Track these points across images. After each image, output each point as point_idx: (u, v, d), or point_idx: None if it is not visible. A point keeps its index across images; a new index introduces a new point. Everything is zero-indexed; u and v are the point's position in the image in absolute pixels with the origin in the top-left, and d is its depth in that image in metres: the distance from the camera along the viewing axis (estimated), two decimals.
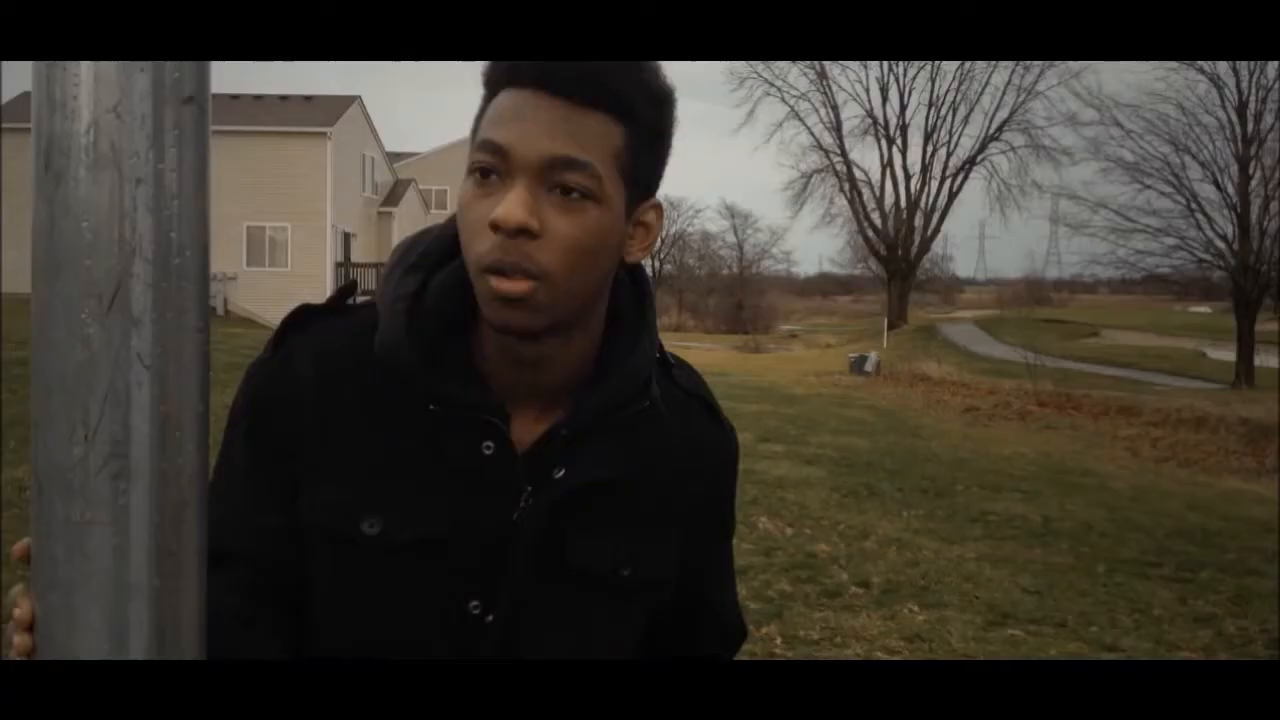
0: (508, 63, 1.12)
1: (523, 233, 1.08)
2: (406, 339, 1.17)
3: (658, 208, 1.22)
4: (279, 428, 1.22)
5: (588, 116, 1.10)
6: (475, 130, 1.15)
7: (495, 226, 1.08)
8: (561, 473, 1.22)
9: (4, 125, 31.70)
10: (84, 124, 0.80)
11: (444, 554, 1.20)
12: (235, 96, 37.74)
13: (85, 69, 0.80)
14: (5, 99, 34.75)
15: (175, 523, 0.85)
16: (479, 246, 1.10)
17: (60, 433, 0.83)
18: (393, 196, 43.52)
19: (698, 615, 1.42)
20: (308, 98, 39.32)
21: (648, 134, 1.15)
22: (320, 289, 33.68)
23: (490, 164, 1.11)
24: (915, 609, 6.42)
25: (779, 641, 5.67)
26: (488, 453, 1.20)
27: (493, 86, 1.14)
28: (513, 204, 1.08)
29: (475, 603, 1.22)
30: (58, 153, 0.81)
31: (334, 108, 38.01)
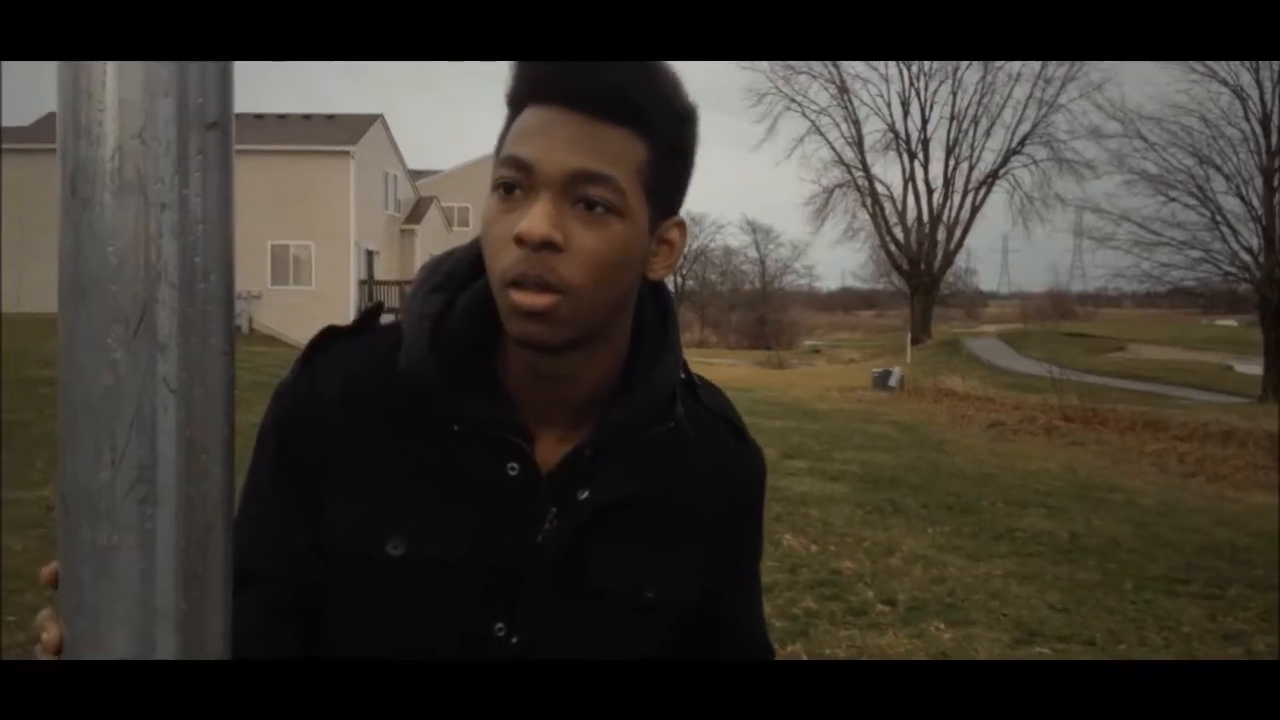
0: (531, 80, 1.12)
1: (547, 246, 1.08)
2: (430, 359, 1.18)
3: (681, 225, 1.22)
4: (305, 449, 1.22)
5: (611, 131, 1.10)
6: (499, 148, 1.15)
7: (519, 240, 1.08)
8: (586, 494, 1.22)
9: (28, 146, 31.99)
10: (109, 150, 0.81)
11: (468, 576, 1.20)
12: (259, 116, 38.03)
13: (110, 95, 0.80)
14: (28, 121, 35.10)
15: (201, 546, 0.86)
16: (503, 261, 1.10)
17: (87, 457, 0.83)
18: (415, 214, 43.72)
19: (720, 635, 1.41)
20: (330, 116, 39.58)
21: (670, 150, 1.16)
22: (344, 307, 33.82)
23: (514, 179, 1.11)
24: (941, 626, 6.38)
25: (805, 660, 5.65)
26: (512, 473, 1.20)
27: (516, 104, 1.15)
28: (537, 217, 1.08)
29: (499, 624, 1.21)
30: (83, 179, 0.81)
31: (357, 126, 38.23)
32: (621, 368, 1.24)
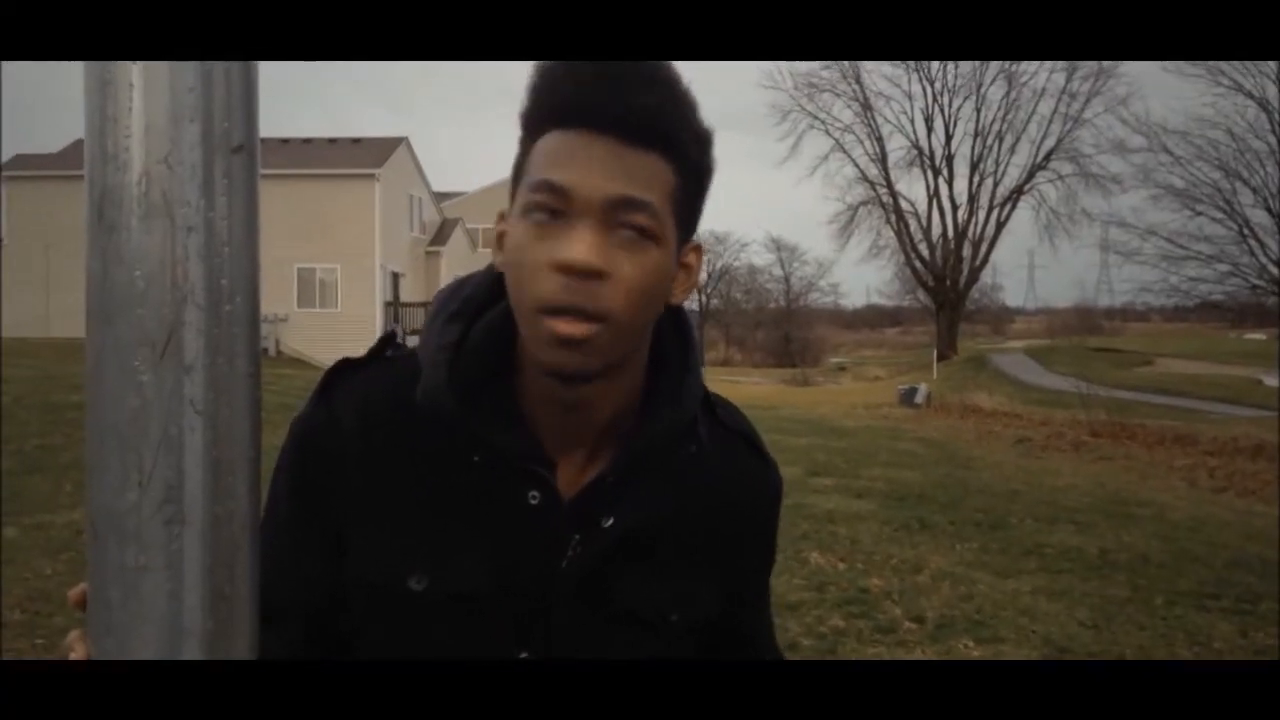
0: (552, 103, 1.11)
1: (592, 275, 1.07)
2: (449, 388, 1.17)
3: (698, 249, 1.22)
4: (324, 481, 1.22)
5: (641, 157, 1.10)
6: (518, 173, 1.15)
7: (563, 268, 1.07)
8: (610, 521, 1.22)
9: (56, 173, 32.27)
10: (135, 175, 0.82)
11: (492, 606, 1.20)
12: (285, 140, 38.24)
13: (136, 121, 0.82)
14: (57, 148, 35.43)
15: (228, 567, 0.86)
16: (541, 288, 1.09)
17: (115, 478, 0.84)
18: (440, 236, 43.85)
19: (736, 647, 1.41)
20: (356, 140, 39.79)
21: (694, 174, 1.15)
22: (370, 329, 33.94)
23: (551, 204, 1.09)
24: (970, 644, 6.34)
25: None
26: (534, 503, 1.19)
27: (535, 128, 1.13)
28: (582, 245, 1.07)
29: (525, 653, 1.21)
30: (110, 204, 0.82)
31: (381, 149, 38.41)
32: (642, 392, 1.24)
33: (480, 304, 1.23)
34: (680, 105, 1.13)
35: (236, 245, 0.85)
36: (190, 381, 0.83)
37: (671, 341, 1.27)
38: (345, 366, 1.27)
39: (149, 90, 0.82)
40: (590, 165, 1.08)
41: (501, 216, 1.18)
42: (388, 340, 1.30)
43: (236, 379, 0.86)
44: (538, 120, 1.13)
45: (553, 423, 1.20)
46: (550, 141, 1.11)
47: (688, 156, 1.14)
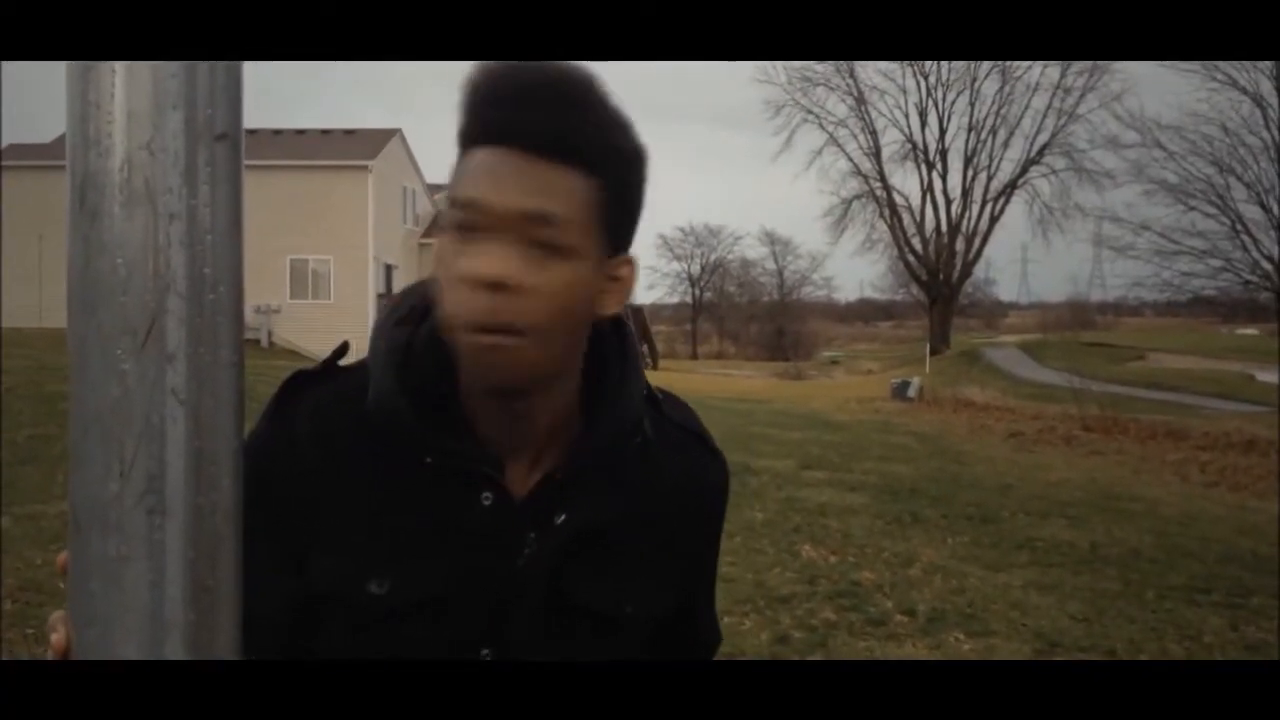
0: (481, 121, 1.13)
1: (500, 287, 1.09)
2: (397, 394, 1.19)
3: (630, 262, 1.23)
4: (281, 493, 1.22)
5: (559, 172, 1.11)
6: (451, 188, 1.16)
7: (473, 281, 1.09)
8: (563, 517, 1.24)
9: (46, 164, 32.21)
10: (118, 161, 0.81)
11: (452, 606, 1.22)
12: (278, 131, 38.19)
13: (119, 107, 0.81)
14: (48, 139, 35.34)
15: (210, 558, 0.86)
16: (458, 302, 1.11)
17: (97, 468, 0.83)
18: (433, 228, 43.80)
19: (685, 633, 1.44)
20: (349, 131, 39.73)
21: (618, 190, 1.16)
22: (363, 321, 33.91)
23: (466, 220, 1.11)
24: (961, 637, 6.36)
25: None
26: (486, 503, 1.22)
27: (466, 144, 1.15)
28: (490, 258, 1.09)
29: (486, 650, 1.24)
30: (92, 190, 0.81)
31: (375, 141, 38.36)
32: (584, 396, 1.26)
33: (425, 309, 1.23)
34: (604, 123, 1.14)
35: (219, 234, 0.84)
36: (173, 371, 0.82)
37: (613, 347, 1.29)
38: (297, 379, 1.28)
39: (131, 76, 0.81)
40: (503, 180, 1.10)
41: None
42: (342, 350, 1.31)
43: (219, 369, 0.85)
44: (463, 138, 1.15)
45: (498, 426, 1.22)
46: (472, 158, 1.13)
47: (609, 172, 1.15)
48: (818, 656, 5.82)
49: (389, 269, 38.58)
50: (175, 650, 0.84)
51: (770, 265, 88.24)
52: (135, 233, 0.81)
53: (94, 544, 0.83)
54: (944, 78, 62.23)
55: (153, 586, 0.83)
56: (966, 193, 62.88)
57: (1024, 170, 61.79)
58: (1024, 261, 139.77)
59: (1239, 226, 35.21)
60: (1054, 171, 61.43)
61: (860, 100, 63.06)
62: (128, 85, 0.81)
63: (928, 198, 63.68)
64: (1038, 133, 60.81)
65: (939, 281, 62.21)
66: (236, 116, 0.86)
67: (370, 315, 34.87)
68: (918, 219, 64.05)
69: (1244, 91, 35.36)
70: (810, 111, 63.79)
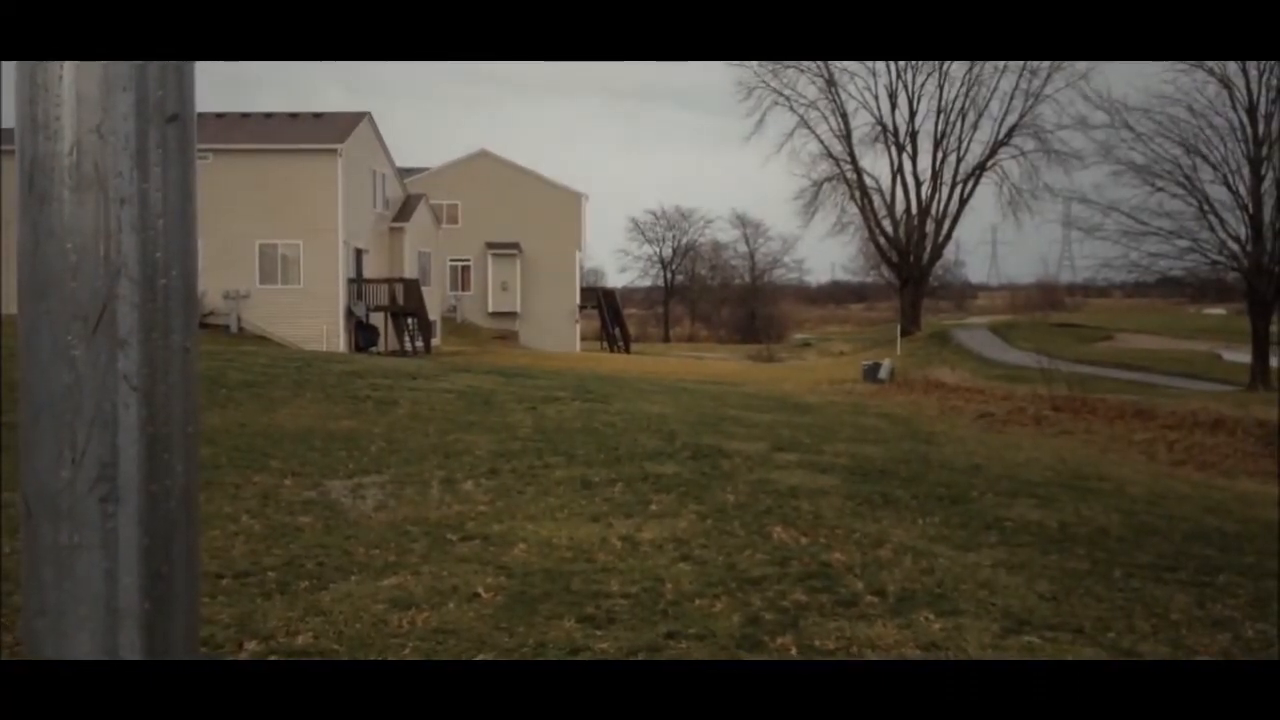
0: None
1: None
2: None
3: None
4: None
5: None
6: None
7: None
8: None
9: (8, 148, 31.88)
10: (67, 145, 0.80)
11: None
12: (246, 115, 37.92)
13: (67, 90, 0.79)
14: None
15: (165, 545, 0.85)
16: None
17: (48, 456, 0.82)
18: (404, 212, 43.56)
19: None
20: (318, 115, 39.49)
21: None
22: (333, 305, 33.73)
23: None
24: (931, 617, 6.38)
25: (794, 651, 5.64)
26: None
27: None
28: None
29: None
30: (41, 174, 0.80)
31: (344, 124, 38.14)
32: None
33: None
34: None
35: (171, 217, 0.83)
36: (124, 357, 0.81)
37: None
38: None
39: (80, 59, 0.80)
40: None
41: None
42: None
43: (172, 354, 0.84)
44: None
45: None
46: None
47: None
48: (789, 637, 5.83)
49: (359, 253, 38.39)
50: (130, 639, 0.83)
51: (742, 248, 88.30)
52: (86, 217, 0.80)
53: (45, 533, 0.82)
54: (913, 60, 62.41)
55: (107, 575, 0.82)
56: (936, 175, 63.37)
57: (993, 152, 62.30)
58: (994, 243, 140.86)
59: (1206, 207, 35.50)
60: (1023, 153, 61.99)
61: (830, 82, 63.30)
62: (77, 66, 0.80)
63: (898, 180, 64.12)
64: (1006, 114, 61.40)
65: (909, 263, 62.55)
66: (187, 97, 0.85)
67: (340, 300, 34.70)
68: (888, 201, 64.50)
69: (1210, 73, 35.60)
70: (781, 94, 64.07)
